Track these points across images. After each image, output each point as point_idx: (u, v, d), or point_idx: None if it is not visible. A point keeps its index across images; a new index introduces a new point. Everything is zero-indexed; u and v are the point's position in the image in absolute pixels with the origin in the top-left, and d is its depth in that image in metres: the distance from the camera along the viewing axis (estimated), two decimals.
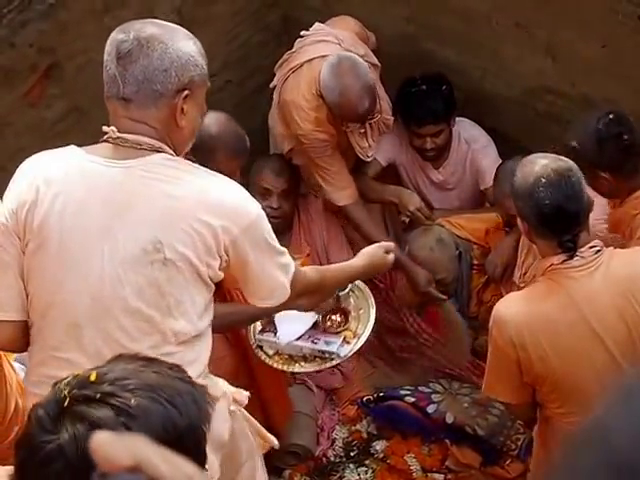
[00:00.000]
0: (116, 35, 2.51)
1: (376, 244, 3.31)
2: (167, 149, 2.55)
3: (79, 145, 4.24)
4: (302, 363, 3.87)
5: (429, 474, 4.34)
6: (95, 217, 2.48)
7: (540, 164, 2.96)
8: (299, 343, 3.78)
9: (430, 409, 4.37)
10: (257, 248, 2.60)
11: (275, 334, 3.77)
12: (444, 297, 4.45)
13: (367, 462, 4.42)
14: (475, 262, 4.49)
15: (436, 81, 4.55)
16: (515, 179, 3.02)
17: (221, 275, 2.58)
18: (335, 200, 4.45)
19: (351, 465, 4.44)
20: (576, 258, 2.95)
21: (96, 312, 2.50)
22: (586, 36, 4.12)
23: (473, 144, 4.68)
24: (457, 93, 4.58)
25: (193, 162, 3.06)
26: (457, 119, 4.68)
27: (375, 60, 4.36)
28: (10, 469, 2.32)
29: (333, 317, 4.00)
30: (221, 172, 3.76)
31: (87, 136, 4.27)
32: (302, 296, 2.87)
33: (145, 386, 1.53)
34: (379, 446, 4.46)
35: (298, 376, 4.42)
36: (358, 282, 4.09)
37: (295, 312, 3.48)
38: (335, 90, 4.04)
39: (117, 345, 2.47)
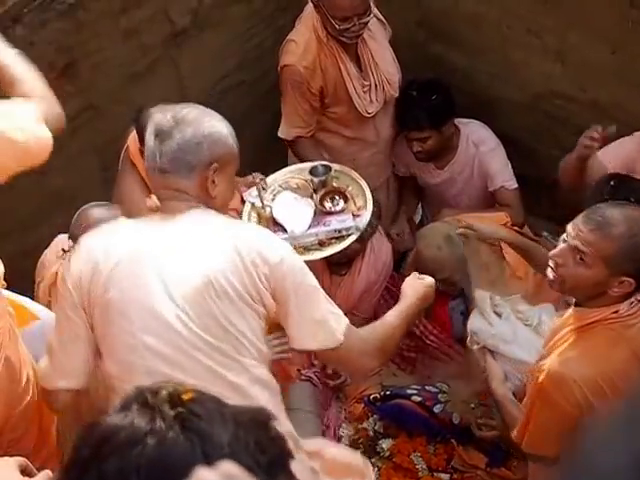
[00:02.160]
0: (156, 115, 2.70)
1: (409, 277, 3.34)
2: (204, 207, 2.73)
3: (94, 141, 4.34)
4: (322, 248, 3.95)
5: (435, 473, 4.32)
6: (150, 265, 2.62)
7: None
8: (313, 230, 3.88)
9: (436, 409, 4.35)
10: (298, 285, 2.70)
11: (285, 231, 3.86)
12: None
13: (373, 460, 4.40)
14: (483, 261, 4.47)
15: (429, 88, 4.60)
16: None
17: (274, 305, 2.69)
18: (281, 132, 4.56)
19: None
20: (632, 302, 2.89)
21: (174, 355, 2.60)
22: (596, 42, 4.15)
23: (481, 146, 4.72)
24: (466, 97, 4.61)
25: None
26: (466, 121, 4.73)
27: (380, 16, 4.41)
28: (20, 460, 2.38)
29: (330, 199, 4.08)
30: None
31: (100, 133, 4.37)
32: (367, 355, 2.87)
33: (233, 416, 1.51)
34: (385, 444, 4.46)
35: (304, 372, 4.47)
36: (335, 165, 4.19)
37: (290, 205, 3.72)
38: None
39: (201, 381, 2.54)
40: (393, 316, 2.99)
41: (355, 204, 4.10)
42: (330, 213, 4.05)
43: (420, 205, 5.36)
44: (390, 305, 4.86)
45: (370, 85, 4.44)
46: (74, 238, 3.53)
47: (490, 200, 4.84)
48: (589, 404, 2.82)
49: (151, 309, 2.58)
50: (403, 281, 4.84)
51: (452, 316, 4.64)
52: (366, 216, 4.00)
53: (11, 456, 2.41)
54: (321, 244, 3.99)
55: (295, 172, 4.30)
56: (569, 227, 2.89)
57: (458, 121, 4.74)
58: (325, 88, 4.40)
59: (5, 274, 2.96)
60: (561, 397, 2.87)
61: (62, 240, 3.63)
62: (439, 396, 4.39)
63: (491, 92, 4.41)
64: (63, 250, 3.60)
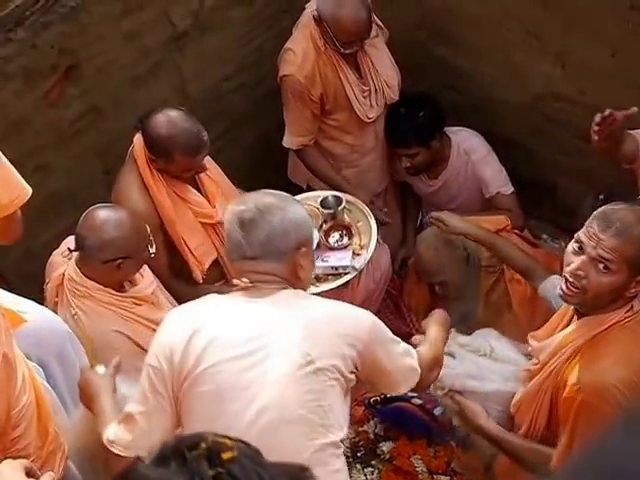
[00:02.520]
0: (237, 207, 2.74)
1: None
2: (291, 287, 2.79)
3: (96, 143, 4.35)
4: (317, 284, 3.94)
5: (435, 476, 4.33)
6: (245, 344, 2.64)
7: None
8: None
9: (437, 411, 4.35)
10: (382, 347, 2.77)
11: None
12: (387, 219, 4.63)
13: (373, 463, 4.41)
14: (483, 264, 4.48)
15: (417, 105, 4.62)
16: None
17: (353, 381, 2.74)
18: (285, 142, 4.59)
19: (358, 465, 4.44)
20: None
21: (263, 430, 2.61)
22: (596, 44, 4.15)
23: (473, 155, 4.73)
24: (467, 99, 4.62)
25: (154, 162, 3.37)
26: (456, 129, 4.75)
27: (377, 20, 4.41)
28: (25, 462, 2.39)
29: (335, 234, 4.09)
30: (180, 170, 3.89)
31: (103, 135, 4.39)
32: (425, 372, 2.97)
33: (272, 477, 1.53)
34: (385, 447, 4.46)
35: None
36: (348, 196, 4.21)
37: None
38: (331, 3, 4.12)
39: (284, 455, 2.59)
40: (429, 336, 3.13)
41: (360, 241, 4.13)
42: (332, 249, 4.06)
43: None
44: (391, 309, 4.93)
45: (370, 90, 4.45)
46: (80, 239, 3.54)
47: (488, 204, 4.85)
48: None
49: (245, 388, 2.61)
50: (401, 284, 4.91)
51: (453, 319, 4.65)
52: (365, 257, 4.01)
53: (14, 457, 2.42)
54: (317, 279, 4.02)
55: (309, 199, 4.34)
56: (583, 238, 2.84)
57: (448, 130, 4.76)
58: (325, 95, 4.41)
59: (7, 277, 2.97)
60: (607, 406, 2.82)
61: (71, 242, 3.65)
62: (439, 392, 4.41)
63: (491, 94, 4.42)
64: (69, 249, 3.61)
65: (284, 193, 2.86)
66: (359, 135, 4.64)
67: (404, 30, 4.71)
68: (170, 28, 4.49)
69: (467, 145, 4.74)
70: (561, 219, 4.81)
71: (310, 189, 4.81)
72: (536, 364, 3.17)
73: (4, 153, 3.91)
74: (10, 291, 3.30)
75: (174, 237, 4.02)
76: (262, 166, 4.28)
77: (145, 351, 3.64)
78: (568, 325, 3.09)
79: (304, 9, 4.38)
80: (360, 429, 4.56)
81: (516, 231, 4.62)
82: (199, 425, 2.62)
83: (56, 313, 3.59)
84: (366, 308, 4.61)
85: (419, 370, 2.87)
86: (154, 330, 3.71)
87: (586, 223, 2.87)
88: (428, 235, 4.52)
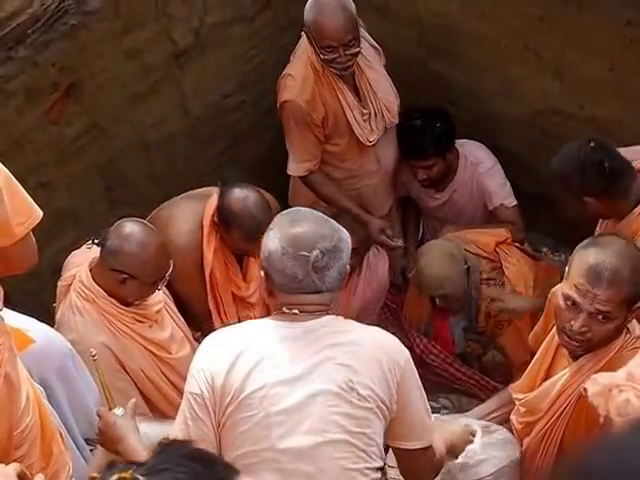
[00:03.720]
0: (299, 252, 2.60)
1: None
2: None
3: (97, 160, 4.37)
4: None
5: None
6: (290, 368, 2.62)
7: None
8: None
9: None
10: (414, 386, 2.75)
11: None
12: (399, 244, 4.59)
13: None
14: (484, 276, 4.50)
15: (433, 116, 4.62)
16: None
17: (393, 412, 2.71)
18: (290, 169, 4.57)
19: None
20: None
21: (307, 454, 2.62)
22: (593, 59, 4.18)
23: (479, 166, 4.74)
24: (466, 114, 4.63)
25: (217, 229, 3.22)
26: (462, 141, 4.75)
27: (374, 43, 4.44)
28: (16, 465, 2.39)
29: None
30: (232, 246, 4.01)
31: (104, 152, 4.41)
32: (434, 464, 2.92)
33: None
34: (388, 459, 4.48)
35: None
36: None
37: None
38: (313, 9, 4.12)
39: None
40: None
41: None
42: None
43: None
44: (391, 322, 4.94)
45: (370, 114, 4.44)
46: (105, 238, 3.54)
47: (490, 217, 4.87)
48: None
49: (290, 413, 2.60)
50: (401, 297, 4.91)
51: (453, 332, 4.66)
52: None
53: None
54: None
55: None
56: (576, 297, 2.83)
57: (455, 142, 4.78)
58: (326, 119, 4.41)
59: (10, 295, 2.96)
60: None
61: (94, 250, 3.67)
62: (441, 412, 4.40)
63: (490, 109, 4.44)
64: (92, 241, 3.61)
65: (326, 217, 2.77)
66: (358, 159, 4.63)
67: (403, 46, 4.73)
68: (171, 45, 4.52)
69: (474, 157, 4.76)
70: (561, 232, 4.82)
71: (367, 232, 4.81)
72: (528, 414, 3.18)
73: None
74: (12, 309, 3.30)
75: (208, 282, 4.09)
76: (262, 182, 4.28)
77: (124, 371, 3.68)
78: (552, 360, 3.10)
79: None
80: None
81: (516, 244, 4.64)
82: (242, 450, 2.62)
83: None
84: (364, 318, 4.67)
85: (432, 436, 2.81)
86: (147, 349, 3.74)
87: (570, 275, 2.87)
88: (429, 248, 4.53)
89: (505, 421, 3.46)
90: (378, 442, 2.67)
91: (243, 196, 3.91)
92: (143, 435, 2.90)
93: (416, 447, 2.77)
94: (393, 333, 4.68)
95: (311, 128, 4.39)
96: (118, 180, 4.38)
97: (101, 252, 3.56)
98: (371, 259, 4.69)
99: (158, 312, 3.80)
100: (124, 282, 3.54)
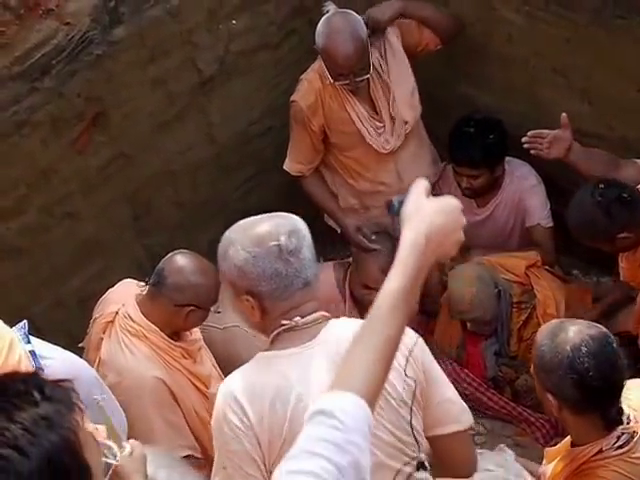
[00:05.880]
0: (268, 246, 2.54)
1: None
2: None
3: (124, 190, 4.37)
4: None
5: None
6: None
7: (573, 331, 2.71)
8: None
9: None
10: (432, 366, 2.71)
11: None
12: (374, 247, 4.49)
13: None
14: (515, 300, 4.47)
15: (487, 126, 4.57)
16: (543, 350, 2.74)
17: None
18: (286, 165, 4.63)
19: None
20: (624, 437, 2.73)
21: None
22: (622, 80, 4.15)
23: (525, 182, 4.71)
24: None
25: None
26: (508, 159, 4.70)
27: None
28: None
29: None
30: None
31: (132, 181, 4.41)
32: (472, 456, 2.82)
33: None
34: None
35: None
36: None
37: None
38: (323, 34, 4.19)
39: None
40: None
41: None
42: None
43: None
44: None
45: (384, 126, 4.45)
46: (162, 276, 3.53)
47: (522, 240, 4.85)
48: None
49: None
50: (430, 323, 4.86)
51: (485, 356, 4.62)
52: None
53: None
54: None
55: None
56: None
57: None
58: (327, 127, 4.47)
59: (36, 324, 2.94)
60: None
61: (127, 283, 3.65)
62: (476, 438, 4.36)
63: (520, 132, 4.39)
64: (145, 282, 3.60)
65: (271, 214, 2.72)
66: (376, 170, 4.62)
67: (432, 69, 4.71)
68: (196, 74, 4.53)
69: (519, 173, 4.73)
70: (591, 255, 4.77)
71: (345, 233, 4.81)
72: None
73: (32, 201, 3.96)
74: (41, 338, 3.29)
75: None
76: (290, 209, 4.24)
77: (177, 403, 3.63)
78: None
79: None
80: None
81: (547, 267, 4.60)
82: None
83: (93, 349, 3.61)
84: None
85: (471, 418, 2.71)
86: (194, 384, 3.69)
87: None
88: (459, 273, 4.51)
89: None
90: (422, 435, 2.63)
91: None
92: None
93: (455, 429, 2.66)
94: None
95: (308, 132, 4.48)
96: (145, 209, 4.38)
97: (158, 291, 3.54)
98: None
99: (200, 349, 3.79)
100: (188, 315, 3.54)
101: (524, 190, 4.71)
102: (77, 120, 4.06)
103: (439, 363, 4.56)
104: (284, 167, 4.63)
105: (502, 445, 2.99)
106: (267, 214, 2.69)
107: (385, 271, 1.89)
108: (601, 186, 3.72)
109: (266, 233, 2.56)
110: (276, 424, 2.51)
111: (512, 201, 4.77)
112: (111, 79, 4.12)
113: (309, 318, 2.59)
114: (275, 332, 2.60)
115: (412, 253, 1.88)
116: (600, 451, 2.72)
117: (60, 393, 1.55)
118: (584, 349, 2.63)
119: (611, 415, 2.71)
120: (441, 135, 4.72)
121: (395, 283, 1.85)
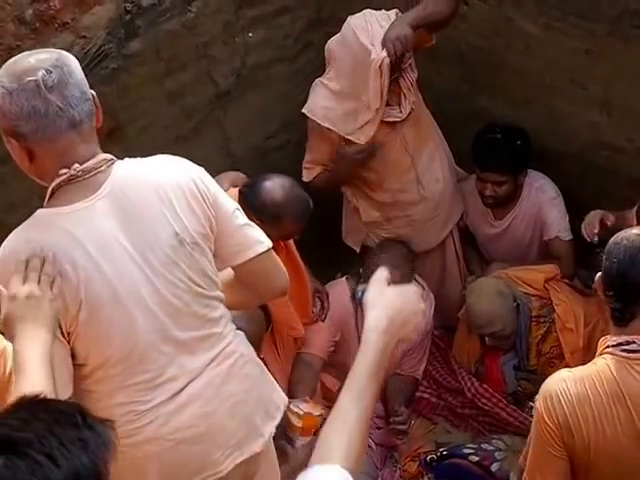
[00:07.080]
0: (23, 82, 2.39)
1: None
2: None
3: None
4: None
5: None
6: (119, 249, 2.54)
7: (635, 232, 2.85)
8: None
9: (494, 467, 4.30)
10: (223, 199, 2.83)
11: None
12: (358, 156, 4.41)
13: None
14: (534, 314, 4.44)
15: (514, 133, 4.55)
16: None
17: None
18: (305, 177, 4.56)
19: None
20: (633, 345, 2.76)
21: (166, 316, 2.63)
22: None
23: (544, 194, 4.67)
24: None
25: (259, 225, 3.14)
26: (527, 170, 4.67)
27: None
28: None
29: None
30: (283, 234, 3.89)
31: None
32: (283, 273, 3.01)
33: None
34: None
35: None
36: None
37: None
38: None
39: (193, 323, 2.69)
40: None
41: None
42: None
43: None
44: (441, 364, 4.87)
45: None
46: None
47: (541, 253, 4.82)
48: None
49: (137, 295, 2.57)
50: (450, 337, 4.84)
51: (504, 371, 4.60)
52: None
53: None
54: None
55: None
56: None
57: None
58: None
59: None
60: None
61: None
62: (496, 454, 4.36)
63: (538, 144, 4.37)
64: None
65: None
66: (394, 177, 4.54)
67: (448, 83, 4.71)
68: (212, 87, 4.53)
69: (538, 185, 4.70)
70: None
71: (365, 250, 4.79)
72: None
73: None
74: None
75: None
76: (311, 223, 4.23)
77: None
78: None
79: None
80: None
81: (566, 280, 4.57)
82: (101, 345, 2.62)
83: None
84: (409, 358, 4.64)
85: (269, 242, 2.84)
86: None
87: None
88: (478, 287, 4.50)
89: None
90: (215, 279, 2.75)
91: (278, 184, 3.92)
92: None
93: (252, 255, 2.78)
94: (443, 374, 4.73)
95: (327, 141, 4.41)
96: None
97: None
98: None
99: None
100: None
101: (543, 202, 4.68)
102: None
103: (458, 379, 4.65)
104: (303, 179, 4.56)
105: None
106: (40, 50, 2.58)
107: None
108: None
109: (25, 69, 2.40)
110: (68, 287, 2.45)
111: (530, 213, 4.74)
112: (127, 93, 4.12)
113: (89, 164, 2.51)
114: (54, 183, 2.50)
115: (377, 333, 2.08)
116: (606, 347, 2.84)
117: (101, 428, 1.58)
118: (625, 242, 2.80)
119: (614, 310, 2.82)
120: (458, 148, 4.72)
121: (362, 364, 2.04)
